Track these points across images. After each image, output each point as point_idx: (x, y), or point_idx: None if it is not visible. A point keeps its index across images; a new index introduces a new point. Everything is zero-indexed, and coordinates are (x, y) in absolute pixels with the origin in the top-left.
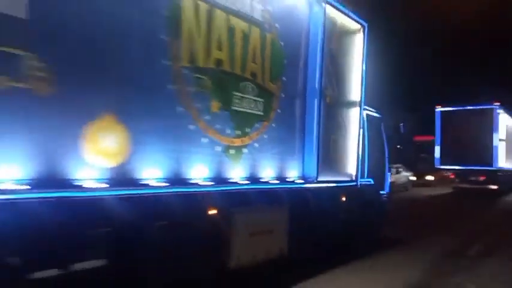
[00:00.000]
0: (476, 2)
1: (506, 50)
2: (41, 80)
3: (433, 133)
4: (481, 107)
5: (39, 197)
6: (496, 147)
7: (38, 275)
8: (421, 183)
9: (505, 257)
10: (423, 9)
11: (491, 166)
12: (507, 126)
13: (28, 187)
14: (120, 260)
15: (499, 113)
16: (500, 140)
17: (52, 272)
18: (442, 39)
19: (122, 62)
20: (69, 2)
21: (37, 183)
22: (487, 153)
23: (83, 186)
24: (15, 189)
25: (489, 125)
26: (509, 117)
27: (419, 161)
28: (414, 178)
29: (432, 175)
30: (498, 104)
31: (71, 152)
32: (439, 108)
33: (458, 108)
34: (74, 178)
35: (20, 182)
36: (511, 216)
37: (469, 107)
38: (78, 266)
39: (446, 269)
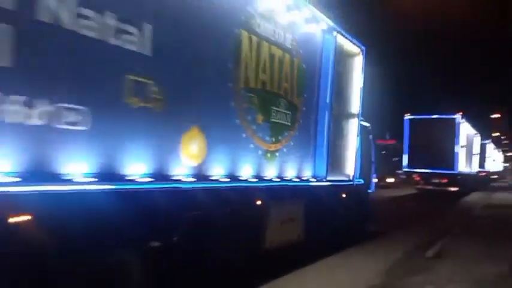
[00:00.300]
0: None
1: (468, 64)
2: (158, 101)
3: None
4: (445, 117)
5: (154, 187)
6: (457, 153)
7: (154, 244)
8: (382, 185)
9: (462, 257)
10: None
11: (453, 170)
12: (467, 134)
13: (151, 179)
14: (198, 235)
15: (460, 123)
16: (461, 146)
17: (158, 243)
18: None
19: (203, 87)
20: (176, 46)
21: (152, 177)
22: (449, 159)
23: (180, 180)
24: (141, 181)
25: (452, 133)
26: (469, 126)
27: (380, 164)
28: (375, 180)
29: (392, 177)
30: (460, 114)
31: (173, 154)
32: (407, 116)
33: (425, 117)
34: (173, 174)
35: (142, 175)
36: (468, 216)
37: (434, 116)
38: (174, 239)
39: (406, 269)
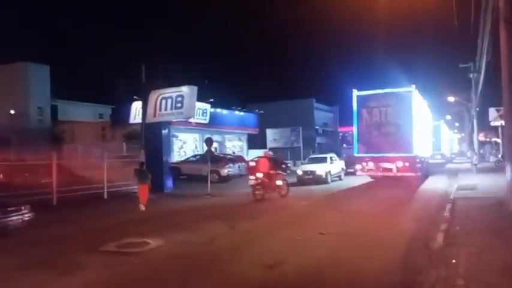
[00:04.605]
0: None
1: None
2: None
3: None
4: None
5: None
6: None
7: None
8: (350, 171)
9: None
10: None
11: (443, 152)
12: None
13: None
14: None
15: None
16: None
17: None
18: None
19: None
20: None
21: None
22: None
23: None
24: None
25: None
26: (446, 127)
27: (342, 151)
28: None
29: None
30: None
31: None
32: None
33: None
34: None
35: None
36: (458, 170)
37: None
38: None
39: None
